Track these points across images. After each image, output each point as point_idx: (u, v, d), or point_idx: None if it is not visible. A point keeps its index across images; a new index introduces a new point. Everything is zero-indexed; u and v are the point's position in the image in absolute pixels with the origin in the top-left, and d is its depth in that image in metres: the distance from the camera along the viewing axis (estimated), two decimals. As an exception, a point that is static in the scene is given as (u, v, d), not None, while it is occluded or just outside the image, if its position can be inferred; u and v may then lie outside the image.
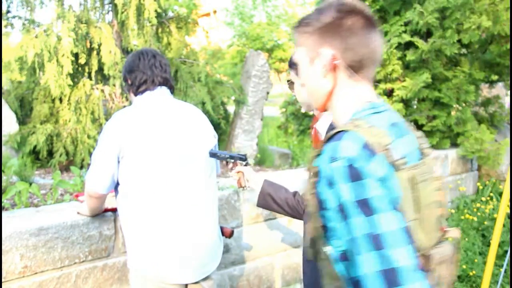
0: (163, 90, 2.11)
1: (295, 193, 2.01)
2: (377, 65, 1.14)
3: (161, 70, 2.10)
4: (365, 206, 0.95)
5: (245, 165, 2.03)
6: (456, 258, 1.11)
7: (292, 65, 1.86)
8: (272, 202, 2.02)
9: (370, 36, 1.08)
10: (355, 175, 0.96)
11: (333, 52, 1.08)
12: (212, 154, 2.03)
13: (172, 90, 2.18)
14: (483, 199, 4.85)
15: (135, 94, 2.10)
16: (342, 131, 1.03)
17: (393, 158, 0.99)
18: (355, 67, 1.09)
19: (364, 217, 0.95)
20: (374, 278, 0.93)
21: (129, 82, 2.12)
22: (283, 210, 2.02)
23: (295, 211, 1.98)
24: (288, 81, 1.92)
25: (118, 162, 1.98)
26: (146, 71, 2.07)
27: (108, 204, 2.59)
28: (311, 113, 1.94)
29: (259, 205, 2.06)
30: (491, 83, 5.41)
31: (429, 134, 4.75)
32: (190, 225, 2.03)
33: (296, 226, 3.25)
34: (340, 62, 1.08)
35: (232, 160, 2.02)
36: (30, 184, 3.14)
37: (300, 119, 5.65)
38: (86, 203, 2.24)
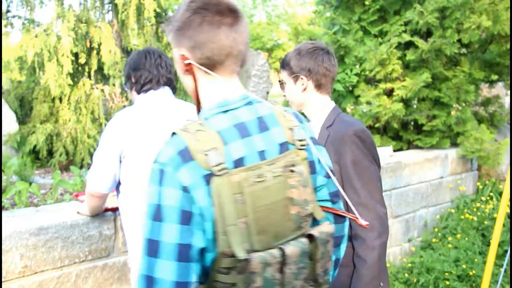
0: (166, 90, 2.12)
1: None
2: (240, 58, 1.13)
3: (166, 71, 2.12)
4: (158, 212, 0.98)
5: None
6: (319, 253, 1.09)
7: (285, 65, 1.89)
8: None
9: (220, 31, 1.07)
10: (161, 180, 0.99)
11: (182, 52, 1.10)
12: None
13: (174, 90, 2.20)
14: (483, 198, 4.86)
15: (138, 93, 2.11)
16: (174, 133, 1.05)
17: (209, 165, 0.99)
18: (208, 65, 1.09)
19: (153, 222, 0.99)
20: (140, 280, 1.00)
21: (133, 80, 2.11)
22: None
23: None
24: (279, 81, 1.95)
25: (120, 162, 1.98)
26: (152, 70, 2.08)
27: (108, 204, 2.59)
28: (300, 112, 1.96)
29: None
30: (491, 83, 5.41)
31: (429, 133, 4.75)
32: None
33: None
34: (191, 61, 1.10)
35: None
36: (30, 183, 3.14)
37: (300, 119, 5.64)
38: (86, 202, 2.24)
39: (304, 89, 1.85)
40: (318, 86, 1.85)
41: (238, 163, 1.03)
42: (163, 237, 0.98)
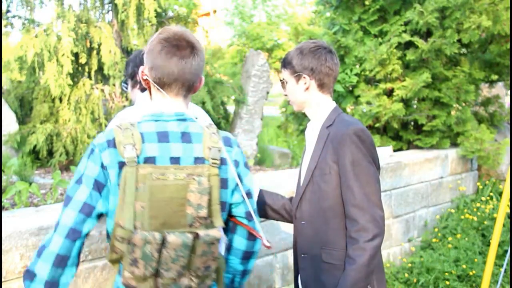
0: None
1: (291, 198, 2.03)
2: (186, 84, 1.42)
3: None
4: (80, 178, 1.34)
5: None
6: (200, 250, 1.33)
7: (286, 64, 1.86)
8: (270, 210, 2.05)
9: (172, 60, 1.37)
10: (89, 156, 1.35)
11: (145, 70, 1.43)
12: None
13: None
14: (483, 198, 4.86)
15: (142, 91, 2.10)
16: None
17: (124, 155, 1.30)
18: (159, 84, 1.40)
19: (74, 184, 1.34)
20: (56, 225, 1.34)
21: (138, 78, 2.11)
22: (280, 216, 2.04)
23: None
24: (281, 80, 1.93)
25: None
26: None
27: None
28: (300, 111, 1.95)
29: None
30: (491, 82, 5.41)
31: (429, 133, 4.75)
32: None
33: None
34: (148, 78, 1.41)
35: None
36: (30, 183, 3.14)
37: (300, 119, 5.64)
38: None
39: (307, 89, 1.83)
40: (321, 86, 1.83)
41: (149, 160, 1.32)
42: (76, 195, 1.33)
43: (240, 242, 1.55)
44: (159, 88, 1.40)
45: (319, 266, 1.79)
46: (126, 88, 2.19)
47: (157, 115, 1.39)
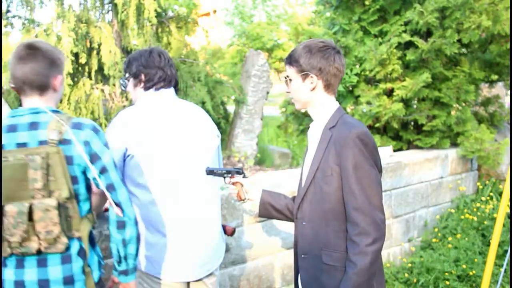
0: (172, 91, 2.17)
1: (293, 198, 2.03)
2: (34, 85, 1.68)
3: (175, 72, 2.18)
4: None
5: (243, 177, 2.05)
6: (37, 217, 1.58)
7: (293, 62, 1.82)
8: (273, 210, 2.05)
9: (16, 66, 1.66)
10: None
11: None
12: (209, 172, 2.03)
13: (177, 91, 2.25)
14: (483, 198, 4.86)
15: (146, 90, 2.12)
16: None
17: None
18: (15, 88, 1.71)
19: None
20: None
21: (143, 77, 2.12)
22: (284, 216, 2.04)
23: None
24: (285, 77, 1.88)
25: (124, 160, 1.99)
26: (166, 70, 2.13)
27: (108, 204, 2.59)
28: (303, 110, 1.94)
29: (261, 215, 2.08)
30: (491, 82, 5.41)
31: (429, 133, 4.76)
32: (192, 223, 2.04)
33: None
34: (11, 84, 1.72)
35: (230, 175, 2.03)
36: (30, 183, 3.13)
37: (300, 119, 5.65)
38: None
39: (313, 89, 1.80)
40: (327, 86, 1.81)
41: (3, 147, 1.62)
42: None
43: (112, 212, 1.75)
44: (16, 91, 1.71)
45: (319, 267, 1.78)
46: (125, 86, 2.19)
47: (11, 112, 1.69)
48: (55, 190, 1.62)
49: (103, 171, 1.70)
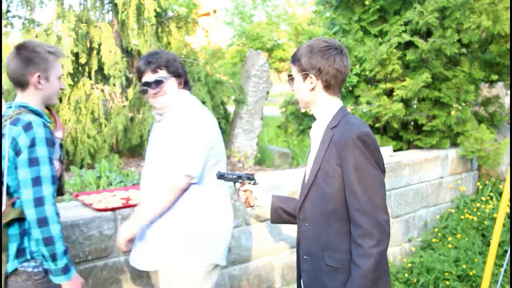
0: None
1: None
2: (13, 81, 1.89)
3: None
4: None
5: (253, 184, 2.04)
6: None
7: (295, 60, 1.83)
8: (284, 214, 2.04)
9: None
10: None
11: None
12: (220, 176, 2.05)
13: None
14: (483, 199, 4.85)
15: (186, 89, 2.31)
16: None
17: None
18: None
19: None
20: None
21: (183, 77, 2.28)
22: (295, 218, 2.01)
23: None
24: (289, 75, 1.89)
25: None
26: (186, 72, 2.35)
27: (108, 204, 2.60)
28: (310, 112, 1.94)
29: (273, 221, 2.09)
30: (491, 82, 5.40)
31: (429, 133, 4.75)
32: None
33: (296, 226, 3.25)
34: None
35: (240, 180, 2.03)
36: (30, 183, 3.13)
37: (300, 119, 5.64)
38: (160, 200, 2.10)
39: (312, 89, 1.80)
40: (327, 87, 1.79)
41: None
42: None
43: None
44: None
45: (321, 268, 1.78)
46: (158, 84, 2.19)
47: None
48: None
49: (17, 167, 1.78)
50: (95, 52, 5.87)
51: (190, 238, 2.11)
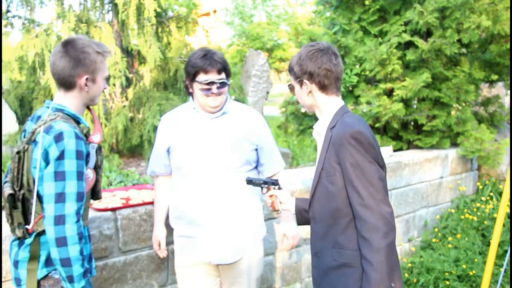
0: None
1: None
2: (58, 81, 1.83)
3: None
4: None
5: (278, 189, 2.10)
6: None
7: (290, 70, 1.95)
8: (308, 214, 2.06)
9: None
10: None
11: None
12: (248, 181, 2.11)
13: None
14: (483, 199, 4.85)
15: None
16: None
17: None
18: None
19: None
20: None
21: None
22: None
23: None
24: (289, 85, 2.01)
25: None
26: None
27: (109, 204, 2.59)
28: (311, 113, 2.01)
29: (299, 223, 2.12)
30: (491, 82, 5.40)
31: (429, 133, 4.75)
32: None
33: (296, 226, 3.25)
34: None
35: (266, 185, 2.10)
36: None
37: (300, 119, 5.65)
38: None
39: (309, 92, 1.88)
40: (323, 88, 1.87)
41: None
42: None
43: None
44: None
45: (330, 264, 1.82)
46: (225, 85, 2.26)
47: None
48: (29, 183, 1.73)
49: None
50: (95, 52, 5.86)
51: (263, 230, 2.48)
